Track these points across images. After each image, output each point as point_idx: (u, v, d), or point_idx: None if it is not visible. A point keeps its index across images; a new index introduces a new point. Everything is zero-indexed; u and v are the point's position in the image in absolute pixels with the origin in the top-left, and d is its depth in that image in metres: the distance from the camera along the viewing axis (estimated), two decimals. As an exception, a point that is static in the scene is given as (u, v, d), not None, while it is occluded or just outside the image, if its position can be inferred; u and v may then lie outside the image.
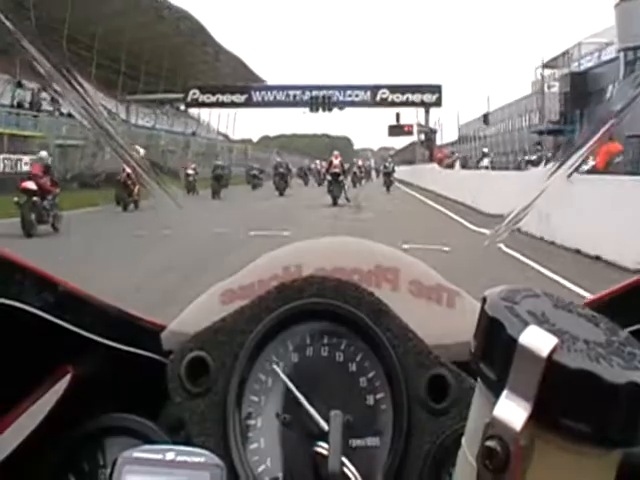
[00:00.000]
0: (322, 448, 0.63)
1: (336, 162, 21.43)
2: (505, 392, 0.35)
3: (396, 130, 51.33)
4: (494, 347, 0.36)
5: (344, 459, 0.62)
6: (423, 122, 47.93)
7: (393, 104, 47.56)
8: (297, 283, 0.72)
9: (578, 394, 0.33)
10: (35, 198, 11.66)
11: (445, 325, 0.75)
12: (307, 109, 46.76)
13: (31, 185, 11.88)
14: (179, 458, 0.53)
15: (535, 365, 0.33)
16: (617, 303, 0.70)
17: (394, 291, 0.78)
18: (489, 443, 0.35)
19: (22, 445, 0.65)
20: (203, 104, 47.90)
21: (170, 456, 0.53)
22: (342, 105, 46.72)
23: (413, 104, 47.01)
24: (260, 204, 21.80)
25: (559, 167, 0.78)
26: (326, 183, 22.50)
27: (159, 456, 0.53)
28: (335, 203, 20.55)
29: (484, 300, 0.38)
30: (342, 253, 0.81)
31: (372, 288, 0.74)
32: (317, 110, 46.42)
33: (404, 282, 0.78)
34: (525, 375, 0.34)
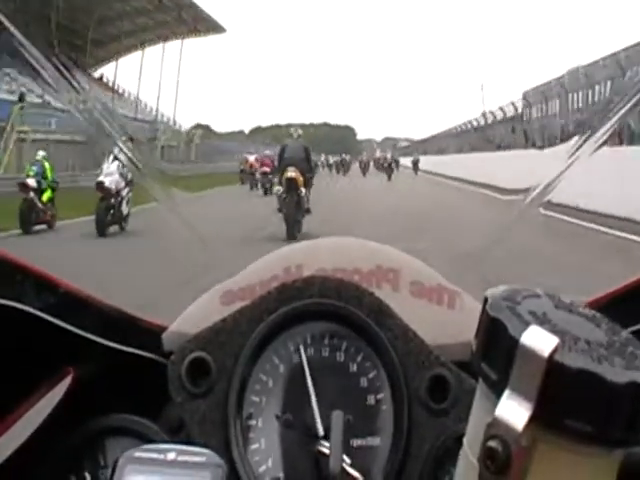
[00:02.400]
0: (323, 447, 0.63)
1: (388, 157, 36.59)
2: (506, 392, 0.35)
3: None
4: (495, 347, 0.36)
5: (345, 458, 0.62)
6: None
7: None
8: (298, 284, 0.72)
9: (579, 394, 0.33)
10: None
11: (446, 325, 0.75)
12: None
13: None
14: (180, 458, 0.53)
15: (536, 365, 0.33)
16: (618, 303, 0.70)
17: (395, 291, 0.78)
18: (490, 443, 0.35)
19: (23, 446, 0.65)
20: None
21: (171, 456, 0.53)
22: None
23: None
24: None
25: (584, 142, 0.77)
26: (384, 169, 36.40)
27: (160, 456, 0.53)
28: (389, 179, 32.69)
29: (485, 300, 0.38)
30: (343, 254, 0.81)
31: (373, 288, 0.74)
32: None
33: (405, 282, 0.79)
34: (526, 375, 0.34)
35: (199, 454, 0.54)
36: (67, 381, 0.68)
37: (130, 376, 0.74)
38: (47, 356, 0.67)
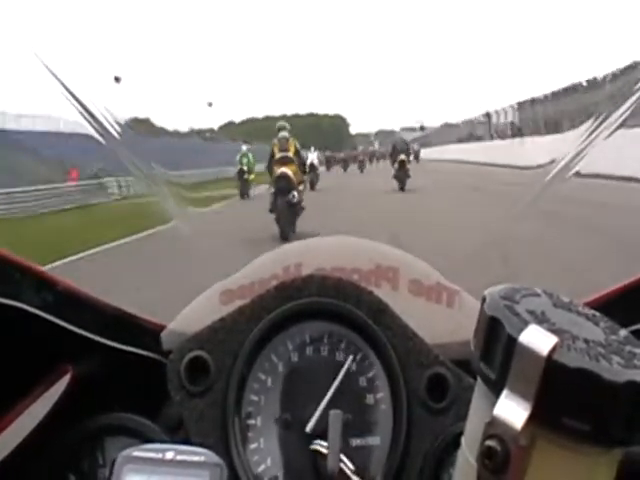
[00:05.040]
0: (321, 447, 0.63)
1: (415, 147, 42.43)
2: (505, 391, 0.35)
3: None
4: (494, 346, 0.36)
5: (343, 457, 0.62)
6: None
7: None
8: (297, 282, 0.72)
9: (578, 393, 0.33)
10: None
11: (445, 324, 0.75)
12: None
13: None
14: (179, 457, 0.53)
15: (535, 364, 0.33)
16: (616, 302, 0.70)
17: (394, 290, 0.78)
18: (489, 442, 0.35)
19: (22, 444, 0.65)
20: None
21: (170, 455, 0.53)
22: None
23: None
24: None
25: (601, 124, 0.81)
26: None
27: (159, 455, 0.53)
28: (418, 161, 41.10)
29: (484, 299, 0.38)
30: (342, 252, 0.81)
31: (372, 287, 0.74)
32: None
33: (404, 281, 0.78)
34: (525, 374, 0.34)
35: (197, 453, 0.54)
36: (65, 379, 0.68)
37: (129, 375, 0.74)
38: (45, 354, 0.67)
